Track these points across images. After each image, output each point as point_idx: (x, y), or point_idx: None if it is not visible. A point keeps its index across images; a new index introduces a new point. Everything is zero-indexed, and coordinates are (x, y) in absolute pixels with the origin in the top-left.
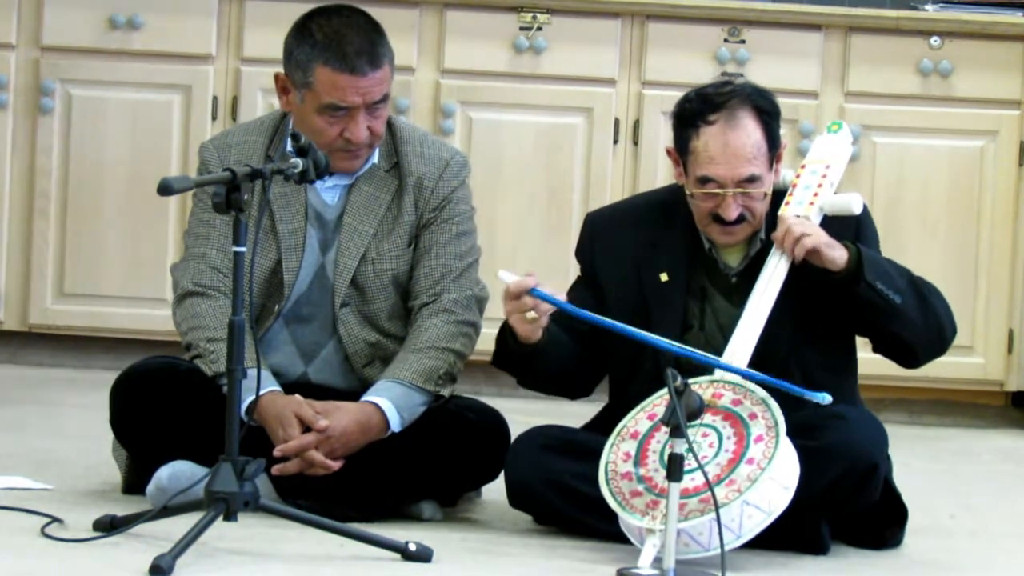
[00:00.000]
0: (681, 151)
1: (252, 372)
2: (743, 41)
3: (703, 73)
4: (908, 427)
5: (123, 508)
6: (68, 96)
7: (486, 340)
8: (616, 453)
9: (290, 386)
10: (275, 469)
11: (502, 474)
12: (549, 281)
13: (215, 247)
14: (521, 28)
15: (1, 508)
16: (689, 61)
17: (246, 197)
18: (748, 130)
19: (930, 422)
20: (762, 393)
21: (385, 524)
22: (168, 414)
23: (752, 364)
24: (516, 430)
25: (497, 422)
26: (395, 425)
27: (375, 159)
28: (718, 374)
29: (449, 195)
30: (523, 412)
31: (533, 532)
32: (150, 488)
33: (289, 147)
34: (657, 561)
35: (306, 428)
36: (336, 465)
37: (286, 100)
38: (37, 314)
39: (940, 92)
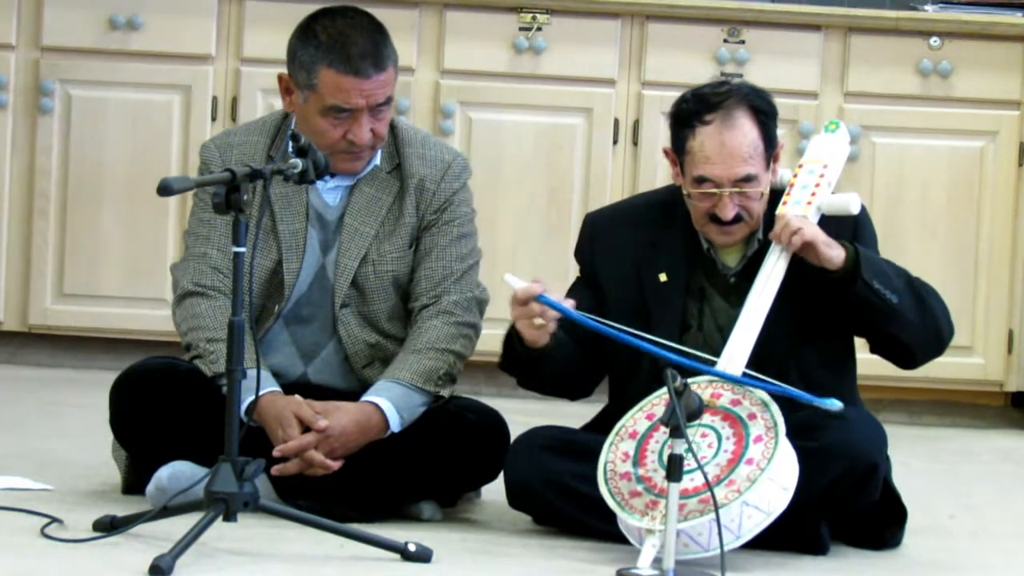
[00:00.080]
0: (678, 151)
1: (252, 372)
2: (743, 41)
3: (703, 73)
4: (908, 427)
5: (123, 508)
6: (68, 96)
7: (486, 341)
8: (615, 453)
9: (290, 386)
10: (275, 469)
11: (502, 474)
12: (549, 281)
13: (216, 247)
14: (521, 28)
15: (1, 508)
16: (689, 61)
17: (246, 197)
18: (744, 130)
19: (930, 422)
20: (761, 393)
21: (385, 524)
22: (168, 414)
23: (751, 364)
24: (516, 430)
25: (497, 422)
26: (395, 425)
27: (377, 160)
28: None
29: (450, 197)
30: (523, 412)
31: (533, 532)
32: (150, 488)
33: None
34: (657, 561)
35: (306, 428)
36: (336, 465)
37: (289, 101)
38: (37, 314)
39: (940, 92)
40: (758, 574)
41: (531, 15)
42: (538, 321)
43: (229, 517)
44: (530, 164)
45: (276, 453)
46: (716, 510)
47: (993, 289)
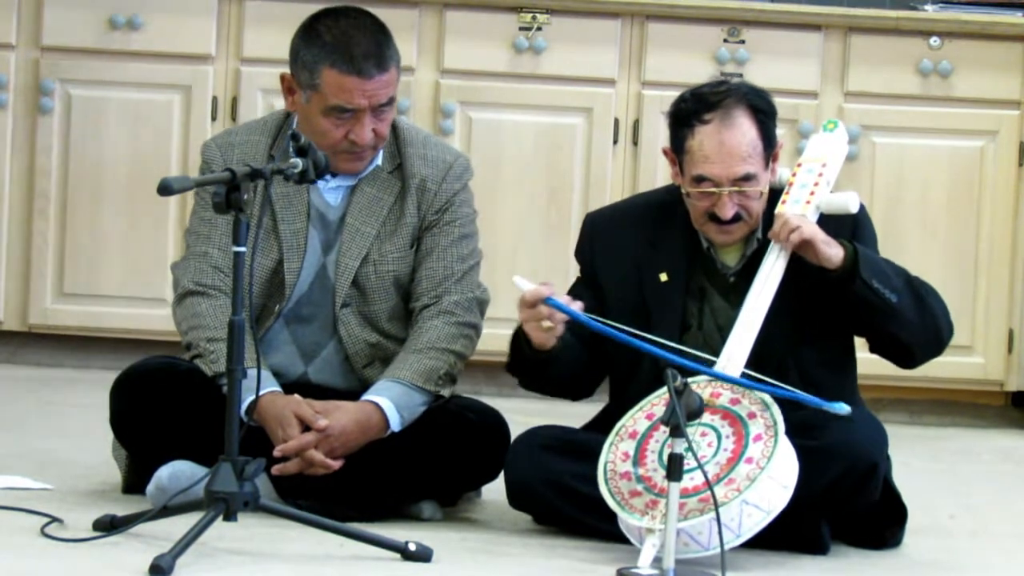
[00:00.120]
0: (677, 150)
1: (252, 372)
2: (743, 41)
3: (703, 73)
4: (908, 427)
5: (123, 508)
6: (68, 96)
7: (487, 341)
8: (615, 453)
9: (290, 386)
10: (275, 469)
11: (502, 474)
12: (549, 281)
13: (217, 246)
14: (521, 28)
15: (1, 508)
16: (689, 61)
17: (246, 197)
18: (743, 129)
19: (930, 422)
20: (764, 394)
21: (385, 524)
22: (168, 414)
23: (750, 364)
24: (516, 430)
25: (497, 422)
26: (395, 424)
27: (379, 161)
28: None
29: (452, 198)
30: (523, 412)
31: (533, 532)
32: (150, 488)
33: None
34: (657, 561)
35: (306, 428)
36: (336, 464)
37: (291, 100)
38: (37, 314)
39: (940, 92)
40: (758, 574)
41: (531, 15)
42: (546, 324)
43: (229, 517)
44: (530, 164)
45: (276, 453)
46: (716, 509)
47: (993, 289)
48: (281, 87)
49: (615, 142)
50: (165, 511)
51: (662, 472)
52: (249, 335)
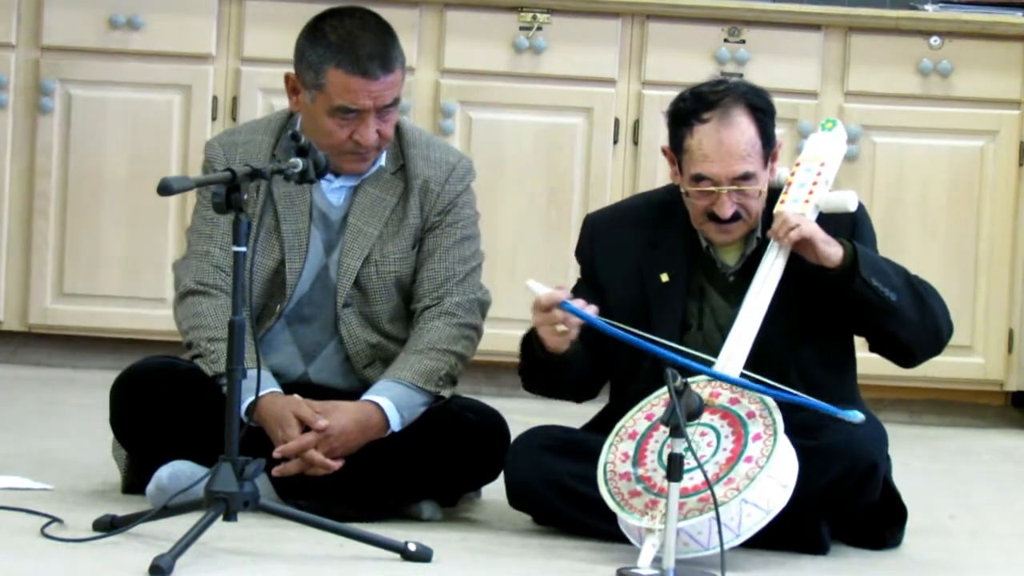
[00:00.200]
0: (676, 149)
1: (252, 372)
2: (743, 41)
3: (703, 73)
4: (908, 427)
5: (123, 508)
6: (68, 96)
7: (487, 342)
8: (614, 453)
9: (290, 386)
10: (275, 471)
11: (502, 474)
12: (549, 281)
13: (218, 245)
14: (521, 28)
15: (1, 508)
16: (689, 61)
17: (246, 197)
18: (742, 128)
19: (930, 422)
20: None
21: (385, 524)
22: (168, 414)
23: (750, 363)
24: (516, 430)
25: (497, 422)
26: (395, 424)
27: (382, 161)
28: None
29: (454, 199)
30: (523, 412)
31: (533, 532)
32: (150, 488)
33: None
34: (657, 561)
35: (306, 428)
36: (336, 465)
37: (296, 101)
38: (37, 314)
39: (940, 92)
40: (758, 574)
41: (531, 15)
42: (561, 328)
43: (229, 517)
44: (530, 164)
45: (276, 454)
46: (716, 508)
47: (993, 289)
48: (285, 87)
49: (615, 142)
50: (165, 511)
51: (662, 472)
52: (249, 335)
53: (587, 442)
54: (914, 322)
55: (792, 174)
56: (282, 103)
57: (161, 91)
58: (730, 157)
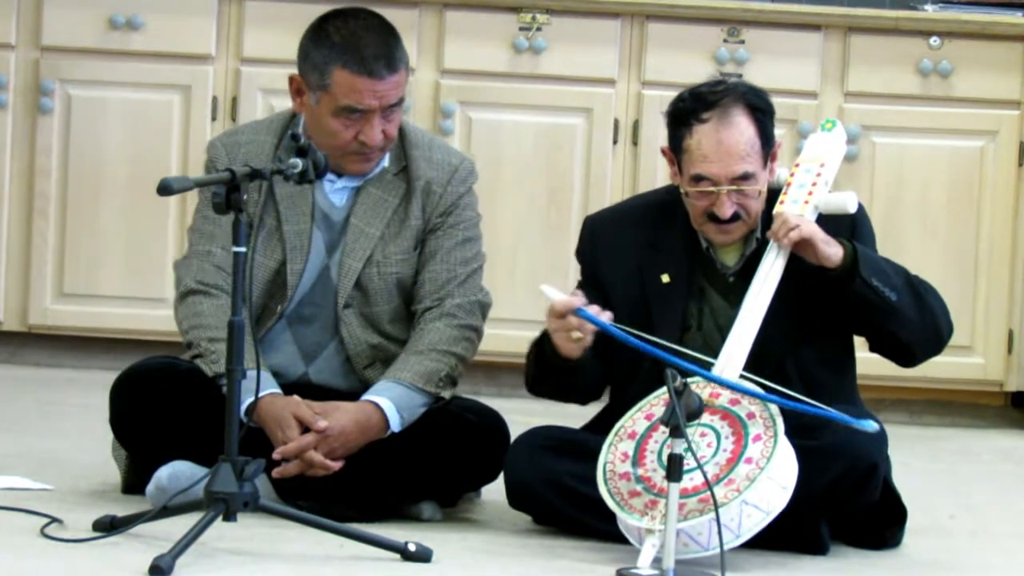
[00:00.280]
0: (675, 150)
1: (252, 373)
2: (742, 41)
3: (702, 73)
4: (908, 427)
5: (123, 508)
6: (68, 96)
7: (487, 342)
8: (614, 453)
9: (290, 386)
10: (275, 472)
11: (502, 474)
12: (549, 281)
13: (220, 245)
14: (521, 28)
15: (1, 508)
16: (688, 61)
17: (245, 197)
18: (741, 128)
19: (930, 422)
20: (756, 390)
21: (385, 524)
22: (168, 414)
23: (749, 363)
24: (516, 430)
25: (497, 423)
26: (395, 425)
27: (385, 162)
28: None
29: (456, 201)
30: (523, 412)
31: (533, 532)
32: (150, 488)
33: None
34: (656, 561)
35: (305, 429)
36: (336, 465)
37: (300, 102)
38: (37, 314)
39: (940, 92)
40: (758, 574)
41: (531, 15)
42: (576, 335)
43: (229, 517)
44: (530, 164)
45: (276, 455)
46: (716, 509)
47: (993, 289)
48: (289, 89)
49: (615, 142)
50: (165, 511)
51: (661, 472)
52: (249, 336)
53: (587, 442)
54: (914, 322)
55: (792, 174)
56: (282, 103)
57: (161, 91)
58: (729, 157)
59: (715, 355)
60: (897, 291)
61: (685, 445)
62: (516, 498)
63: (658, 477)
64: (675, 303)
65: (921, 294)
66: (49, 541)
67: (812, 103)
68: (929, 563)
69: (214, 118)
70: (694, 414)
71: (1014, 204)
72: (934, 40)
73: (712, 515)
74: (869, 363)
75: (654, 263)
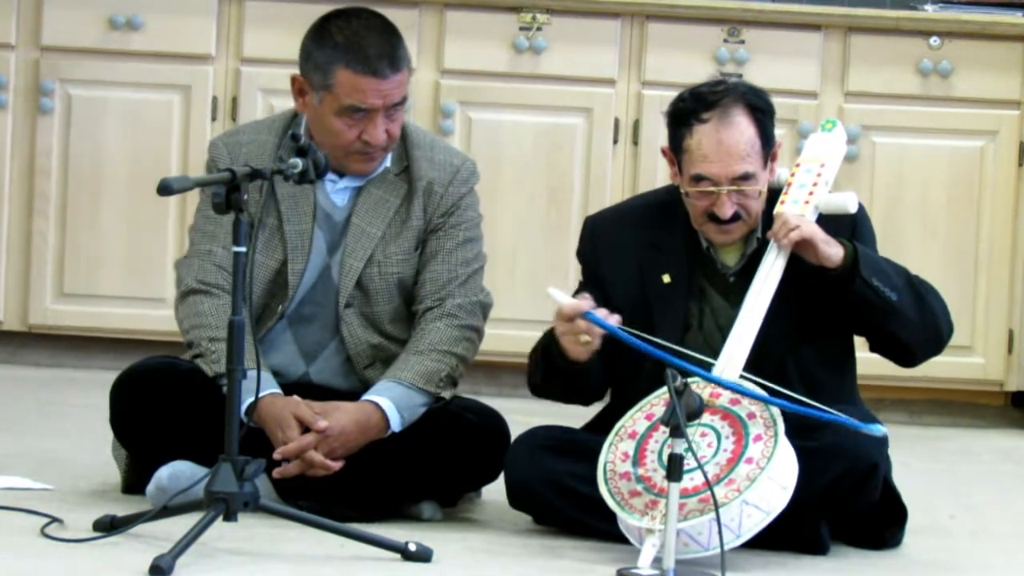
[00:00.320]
0: (675, 150)
1: (252, 373)
2: (742, 41)
3: (703, 73)
4: (908, 427)
5: (123, 508)
6: (68, 96)
7: (487, 342)
8: (614, 453)
9: (291, 386)
10: (276, 472)
11: (502, 474)
12: (549, 281)
13: (221, 244)
14: (521, 28)
15: (1, 508)
16: (689, 61)
17: (246, 197)
18: (741, 128)
19: (930, 422)
20: (763, 394)
21: (385, 524)
22: (168, 414)
23: (750, 363)
24: (516, 430)
25: (497, 423)
26: (395, 424)
27: (387, 163)
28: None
29: (458, 201)
30: (523, 412)
31: (533, 532)
32: (150, 488)
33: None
34: (657, 561)
35: (305, 429)
36: (336, 465)
37: (302, 102)
38: (37, 314)
39: (940, 92)
40: (758, 574)
41: (531, 15)
42: (584, 338)
43: (229, 517)
44: (530, 164)
45: (276, 455)
46: (716, 509)
47: (993, 289)
48: (291, 89)
49: (615, 142)
50: (165, 511)
51: (662, 472)
52: (249, 336)
53: (587, 442)
54: (914, 322)
55: (792, 175)
56: (282, 103)
57: (161, 91)
58: (730, 157)
59: (715, 355)
60: (898, 291)
61: (685, 445)
62: (516, 498)
63: (658, 477)
64: (676, 303)
65: (922, 294)
66: (49, 541)
67: (812, 103)
68: (929, 563)
69: (214, 118)
70: (694, 414)
71: (1014, 204)
72: (934, 40)
73: (712, 515)
74: (869, 363)
75: (655, 263)
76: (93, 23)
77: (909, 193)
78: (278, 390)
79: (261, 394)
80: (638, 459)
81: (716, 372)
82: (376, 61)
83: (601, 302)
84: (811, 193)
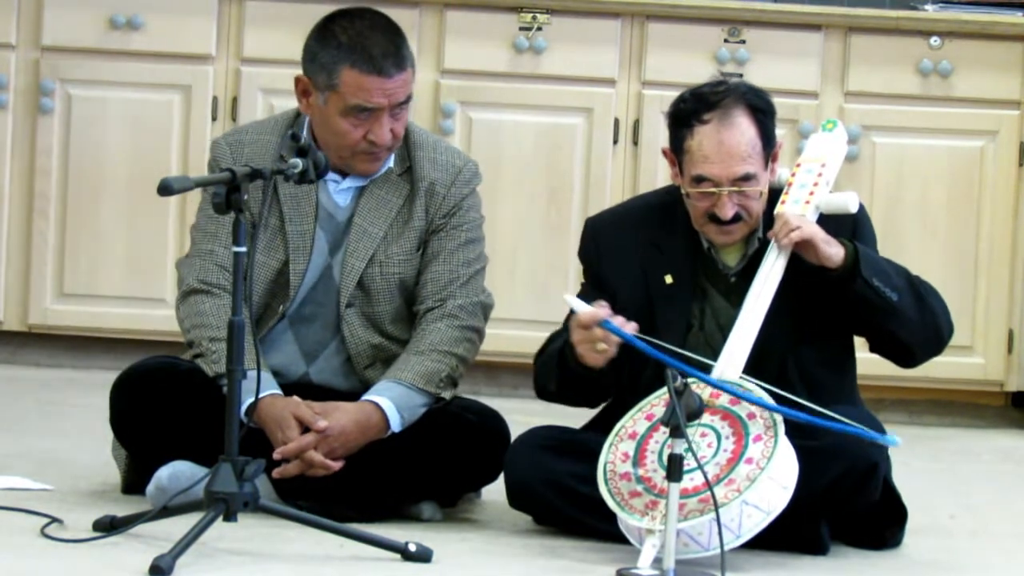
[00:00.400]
0: (676, 151)
1: (252, 373)
2: (743, 41)
3: (703, 73)
4: (908, 427)
5: (123, 508)
6: (68, 96)
7: (487, 342)
8: (614, 453)
9: (291, 386)
10: (276, 472)
11: (502, 475)
12: (549, 281)
13: (223, 244)
14: (521, 28)
15: (1, 508)
16: (689, 61)
17: (246, 197)
18: (742, 128)
19: (930, 422)
20: (759, 392)
21: (385, 524)
22: (168, 414)
23: (750, 364)
24: (516, 430)
25: (497, 423)
26: (395, 425)
27: (390, 163)
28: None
29: (460, 202)
30: (523, 412)
31: (533, 532)
32: (150, 488)
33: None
34: (657, 561)
35: (305, 429)
36: (336, 465)
37: (306, 103)
38: (37, 314)
39: (940, 92)
40: (758, 574)
41: (531, 15)
42: (601, 346)
43: (229, 517)
44: (530, 164)
45: (276, 455)
46: (716, 509)
47: (993, 289)
48: (295, 90)
49: (615, 142)
50: (165, 511)
51: (662, 472)
52: (250, 336)
53: (587, 442)
54: (915, 322)
55: (793, 175)
56: (282, 103)
57: (161, 91)
58: (731, 158)
59: (716, 356)
60: (898, 291)
61: (685, 445)
62: (516, 498)
63: (658, 477)
64: (679, 304)
65: (922, 295)
66: (49, 541)
67: (812, 103)
68: (929, 563)
69: (214, 118)
70: (694, 414)
71: (1014, 204)
72: (934, 40)
73: (712, 515)
74: (869, 363)
75: (657, 264)
76: (93, 23)
77: (909, 193)
78: (278, 391)
79: (261, 394)
80: (638, 459)
81: (716, 372)
82: (381, 60)
83: (608, 303)
84: (812, 193)
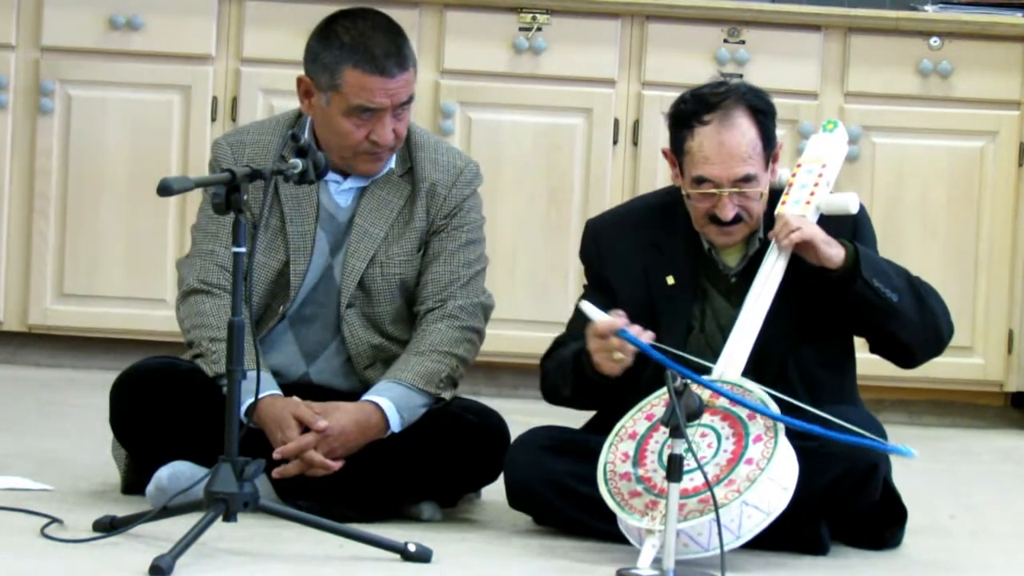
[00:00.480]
0: (677, 152)
1: (252, 374)
2: (743, 41)
3: (703, 73)
4: (908, 427)
5: (123, 508)
6: (68, 96)
7: (487, 343)
8: (614, 454)
9: (291, 386)
10: (275, 472)
11: (502, 475)
12: (550, 281)
13: (223, 244)
14: (521, 28)
15: (1, 508)
16: (689, 61)
17: (245, 198)
18: (743, 129)
19: (930, 422)
20: (760, 393)
21: (385, 524)
22: (168, 414)
23: (750, 364)
24: (516, 430)
25: (497, 423)
26: (395, 425)
27: (392, 163)
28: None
29: (461, 203)
30: (523, 412)
31: (533, 532)
32: (150, 488)
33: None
34: (657, 561)
35: (305, 429)
36: (336, 465)
37: (309, 104)
38: (37, 314)
39: (940, 92)
40: (758, 574)
41: (531, 15)
42: (618, 355)
43: (229, 517)
44: (530, 164)
45: (276, 455)
46: (716, 510)
47: (993, 289)
48: (297, 91)
49: (615, 142)
50: (165, 511)
51: (662, 473)
52: (249, 336)
53: (587, 442)
54: (915, 323)
55: (793, 175)
56: (282, 104)
57: (161, 91)
58: (731, 159)
59: (716, 356)
60: (898, 292)
61: (685, 445)
62: (516, 498)
63: (658, 477)
64: (680, 305)
65: (922, 295)
66: (49, 541)
67: (812, 103)
68: (929, 563)
69: (214, 118)
70: (694, 414)
71: (1014, 204)
72: (934, 40)
73: (712, 516)
74: (869, 363)
75: (658, 265)
76: (93, 23)
77: (909, 193)
78: (278, 391)
79: (261, 395)
80: (638, 459)
81: (716, 373)
82: (383, 60)
83: (608, 304)
84: (812, 194)
